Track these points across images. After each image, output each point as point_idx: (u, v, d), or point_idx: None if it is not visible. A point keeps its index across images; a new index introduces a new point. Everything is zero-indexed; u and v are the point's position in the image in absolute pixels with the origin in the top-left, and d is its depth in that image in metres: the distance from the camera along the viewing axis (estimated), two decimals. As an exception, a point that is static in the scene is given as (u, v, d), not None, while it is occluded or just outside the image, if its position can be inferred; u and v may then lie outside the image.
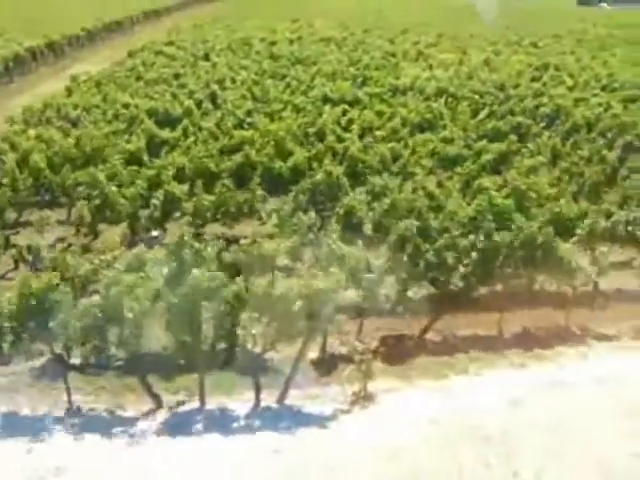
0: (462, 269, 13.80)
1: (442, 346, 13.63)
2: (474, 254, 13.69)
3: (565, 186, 17.83)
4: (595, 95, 30.63)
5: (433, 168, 19.74)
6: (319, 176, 17.33)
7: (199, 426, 11.05)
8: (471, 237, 13.86)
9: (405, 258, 13.64)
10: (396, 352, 13.31)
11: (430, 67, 38.08)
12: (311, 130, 23.18)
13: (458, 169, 19.58)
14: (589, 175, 18.79)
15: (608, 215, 15.91)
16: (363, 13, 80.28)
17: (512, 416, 11.16)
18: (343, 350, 12.75)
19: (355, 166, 18.96)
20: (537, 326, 14.34)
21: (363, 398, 11.67)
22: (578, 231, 14.60)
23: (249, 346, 11.60)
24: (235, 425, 11.11)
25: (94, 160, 19.75)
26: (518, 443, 10.45)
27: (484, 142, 21.49)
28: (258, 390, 11.68)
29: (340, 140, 21.71)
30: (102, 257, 12.99)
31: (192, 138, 21.97)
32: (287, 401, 11.67)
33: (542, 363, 12.93)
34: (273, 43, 48.88)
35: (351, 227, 15.01)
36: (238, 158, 19.50)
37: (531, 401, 11.58)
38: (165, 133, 22.78)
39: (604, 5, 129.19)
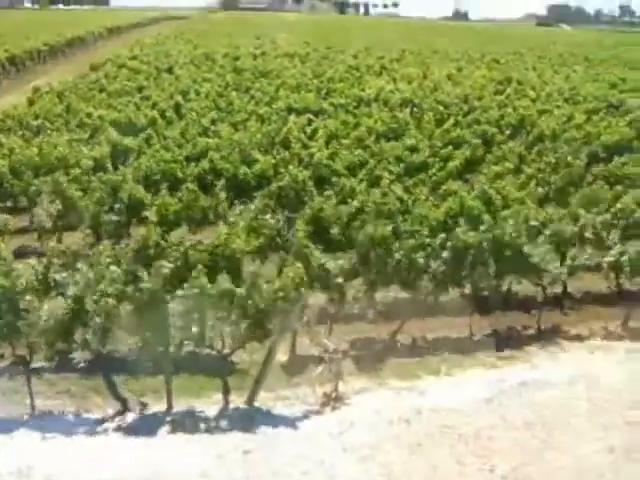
0: (432, 269, 13.63)
1: (413, 348, 13.46)
2: (444, 254, 13.56)
3: (532, 190, 17.78)
4: (558, 107, 30.93)
5: (400, 175, 19.59)
6: (285, 180, 17.17)
7: (166, 427, 10.72)
8: (442, 236, 13.69)
9: (374, 260, 13.48)
10: (366, 355, 13.13)
11: (394, 80, 38.24)
12: (276, 139, 23.00)
13: (424, 176, 19.51)
14: (555, 180, 18.89)
15: (575, 219, 15.88)
16: (326, 33, 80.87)
17: (485, 415, 11.00)
18: (313, 351, 12.49)
19: (321, 171, 18.82)
20: (508, 328, 14.30)
21: (334, 399, 11.45)
22: (546, 232, 14.51)
23: (217, 346, 11.35)
24: (203, 426, 10.80)
25: (57, 168, 19.36)
26: (493, 441, 10.28)
27: (450, 149, 21.50)
28: (227, 391, 11.40)
29: (306, 147, 21.56)
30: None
31: (157, 146, 21.63)
32: (257, 403, 11.40)
33: (513, 364, 12.82)
34: (236, 58, 48.98)
35: (319, 229, 14.79)
36: (203, 164, 19.27)
37: (504, 400, 11.43)
38: (129, 141, 22.44)
39: (563, 26, 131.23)
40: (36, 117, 26.89)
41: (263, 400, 11.49)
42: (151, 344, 10.95)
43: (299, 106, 29.11)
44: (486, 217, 14.51)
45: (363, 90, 33.58)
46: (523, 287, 14.47)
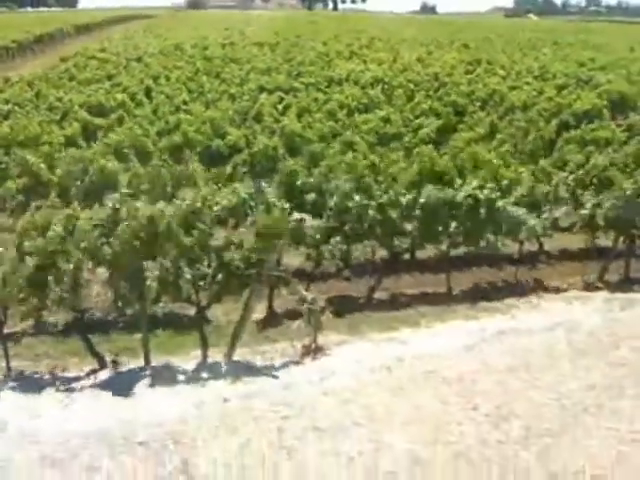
0: (407, 226, 13.56)
1: (391, 303, 13.39)
2: (418, 211, 13.47)
3: (503, 154, 17.75)
4: (528, 83, 31.02)
5: (373, 144, 19.51)
6: (256, 148, 17.04)
7: (144, 381, 10.53)
8: (412, 194, 13.62)
9: (349, 217, 13.39)
10: (344, 310, 13.04)
11: (364, 62, 38.22)
12: (249, 115, 22.87)
13: (397, 144, 19.46)
14: (526, 143, 18.90)
15: (548, 178, 15.89)
16: (294, 25, 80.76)
17: (467, 361, 10.90)
18: (291, 307, 12.35)
19: (293, 140, 18.70)
20: (486, 282, 14.29)
21: (314, 350, 11.33)
22: (519, 190, 14.47)
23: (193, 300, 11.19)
24: (182, 377, 10.64)
25: (28, 146, 19.14)
26: (475, 384, 10.17)
27: (422, 119, 21.46)
28: (205, 346, 11.22)
29: (277, 122, 21.44)
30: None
31: (129, 124, 21.40)
32: (235, 357, 11.25)
33: (493, 314, 12.76)
34: (205, 48, 48.71)
35: (292, 193, 14.65)
36: (175, 137, 19.09)
37: (485, 347, 11.35)
38: (100, 120, 22.20)
39: (531, 16, 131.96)
40: (6, 102, 26.55)
41: (242, 355, 11.34)
42: (127, 299, 10.77)
43: (270, 86, 29.00)
44: (458, 180, 14.46)
45: (334, 71, 33.39)
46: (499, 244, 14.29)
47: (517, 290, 13.87)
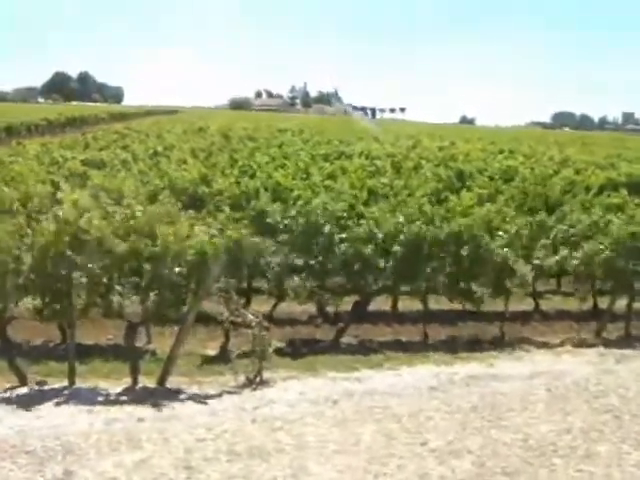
0: (383, 264, 12.32)
1: (358, 348, 12.12)
2: (397, 247, 12.27)
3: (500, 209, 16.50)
4: (545, 166, 29.91)
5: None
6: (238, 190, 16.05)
7: (61, 399, 9.34)
8: (393, 225, 12.45)
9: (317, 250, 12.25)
10: (304, 352, 11.78)
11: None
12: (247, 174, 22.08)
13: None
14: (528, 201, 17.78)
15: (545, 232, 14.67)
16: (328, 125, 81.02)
17: (426, 399, 9.50)
18: (246, 348, 11.06)
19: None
20: (468, 335, 12.98)
21: (257, 383, 10.01)
22: (509, 229, 13.23)
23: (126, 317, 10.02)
24: (101, 399, 9.40)
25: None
26: (430, 421, 8.77)
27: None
28: (135, 369, 10.00)
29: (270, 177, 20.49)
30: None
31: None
32: (169, 385, 10.00)
33: (469, 362, 11.36)
34: (229, 129, 48.55)
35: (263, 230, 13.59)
36: (157, 181, 18.23)
37: (451, 388, 9.96)
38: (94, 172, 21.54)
39: (566, 129, 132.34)
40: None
41: (177, 383, 10.10)
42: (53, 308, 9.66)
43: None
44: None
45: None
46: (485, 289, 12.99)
47: (502, 344, 12.47)
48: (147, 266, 9.85)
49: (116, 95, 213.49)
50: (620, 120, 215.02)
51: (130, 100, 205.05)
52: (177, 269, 9.75)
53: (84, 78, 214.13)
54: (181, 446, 7.86)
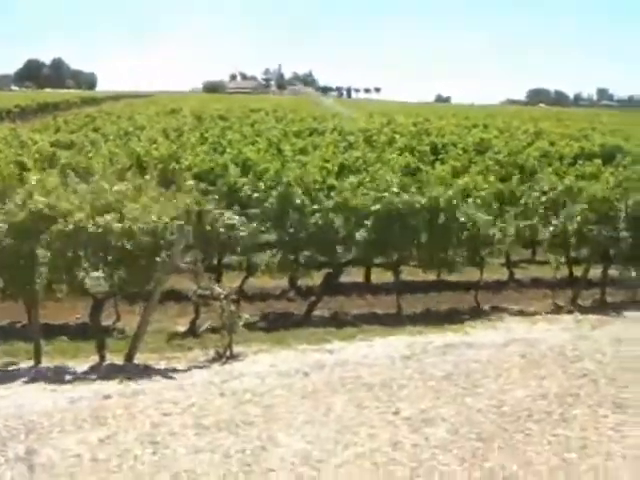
0: (357, 236, 12.09)
1: (331, 320, 11.93)
2: (369, 220, 12.04)
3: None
4: (520, 139, 29.81)
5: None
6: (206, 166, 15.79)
7: (25, 378, 9.11)
8: (365, 198, 12.20)
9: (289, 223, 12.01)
10: (278, 325, 11.57)
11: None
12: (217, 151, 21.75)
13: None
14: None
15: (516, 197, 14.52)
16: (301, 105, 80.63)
17: (399, 369, 9.32)
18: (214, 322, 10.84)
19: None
20: (443, 305, 12.82)
21: (226, 356, 9.79)
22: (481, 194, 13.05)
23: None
24: (68, 377, 9.20)
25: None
26: (403, 389, 8.58)
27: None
28: (102, 347, 9.78)
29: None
30: None
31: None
32: (137, 361, 9.78)
33: (444, 332, 11.18)
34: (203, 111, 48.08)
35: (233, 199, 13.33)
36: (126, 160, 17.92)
37: (425, 357, 9.77)
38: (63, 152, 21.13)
39: (542, 105, 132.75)
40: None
41: (145, 359, 9.89)
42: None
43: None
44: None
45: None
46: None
47: (477, 313, 12.31)
48: (113, 241, 9.56)
49: (90, 81, 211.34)
50: (595, 97, 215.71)
51: (104, 86, 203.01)
52: (140, 245, 9.46)
53: (58, 65, 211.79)
54: (147, 421, 7.63)
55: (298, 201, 11.91)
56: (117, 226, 9.52)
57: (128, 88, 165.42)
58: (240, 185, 13.67)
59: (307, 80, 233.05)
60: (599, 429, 7.56)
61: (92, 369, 9.55)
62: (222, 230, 11.64)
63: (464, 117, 52.07)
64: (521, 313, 12.27)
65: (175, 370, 9.39)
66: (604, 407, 8.07)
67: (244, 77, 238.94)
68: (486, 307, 12.74)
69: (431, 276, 13.73)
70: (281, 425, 7.55)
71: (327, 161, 18.31)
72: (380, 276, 14.02)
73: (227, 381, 8.84)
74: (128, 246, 9.49)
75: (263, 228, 12.15)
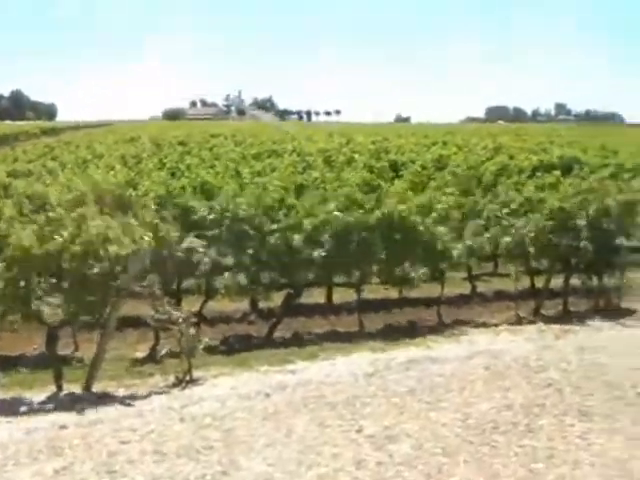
0: (315, 254, 11.97)
1: (292, 341, 11.78)
2: (326, 237, 11.94)
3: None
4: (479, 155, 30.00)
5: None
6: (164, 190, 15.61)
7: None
8: (322, 216, 12.09)
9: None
10: (239, 348, 11.40)
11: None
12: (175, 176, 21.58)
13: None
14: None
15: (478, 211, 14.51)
16: (261, 131, 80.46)
17: (362, 386, 9.18)
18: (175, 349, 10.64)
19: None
20: (407, 322, 12.73)
21: (186, 381, 9.59)
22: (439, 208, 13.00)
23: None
24: (24, 409, 8.95)
25: None
26: (366, 407, 8.45)
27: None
28: (59, 376, 9.53)
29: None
30: None
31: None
32: (95, 389, 9.55)
33: (407, 348, 11.08)
34: (162, 140, 47.86)
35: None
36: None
37: (388, 374, 9.65)
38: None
39: (500, 122, 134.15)
40: None
41: (104, 387, 9.68)
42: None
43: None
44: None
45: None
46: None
47: (439, 328, 12.24)
48: (67, 266, 9.36)
49: (50, 112, 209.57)
50: (553, 112, 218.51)
51: (64, 116, 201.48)
52: (96, 269, 9.26)
53: (17, 97, 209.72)
54: (104, 450, 7.41)
55: (256, 221, 11.73)
56: (72, 248, 9.32)
57: (88, 118, 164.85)
58: (197, 208, 13.45)
59: (266, 105, 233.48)
60: (566, 438, 7.48)
61: (49, 399, 9.30)
62: (180, 254, 11.41)
63: (423, 135, 52.34)
64: (484, 325, 12.20)
65: (134, 397, 9.17)
66: (570, 416, 8.00)
67: (204, 104, 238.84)
68: (448, 321, 12.62)
69: (393, 293, 13.63)
70: (242, 448, 7.37)
71: (285, 182, 18.24)
72: (343, 296, 13.94)
73: (187, 406, 8.65)
74: (83, 271, 9.25)
75: (221, 250, 11.92)
